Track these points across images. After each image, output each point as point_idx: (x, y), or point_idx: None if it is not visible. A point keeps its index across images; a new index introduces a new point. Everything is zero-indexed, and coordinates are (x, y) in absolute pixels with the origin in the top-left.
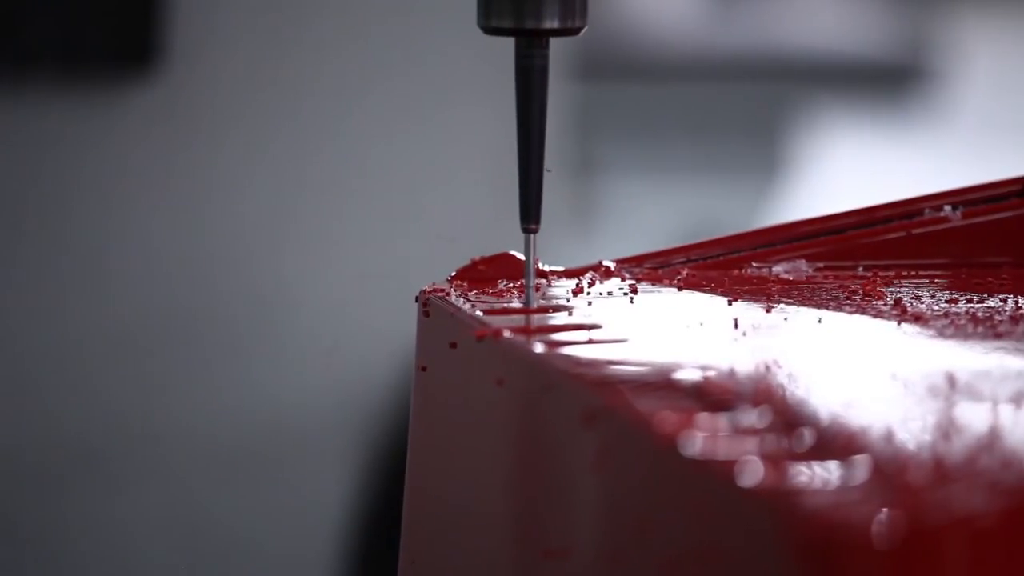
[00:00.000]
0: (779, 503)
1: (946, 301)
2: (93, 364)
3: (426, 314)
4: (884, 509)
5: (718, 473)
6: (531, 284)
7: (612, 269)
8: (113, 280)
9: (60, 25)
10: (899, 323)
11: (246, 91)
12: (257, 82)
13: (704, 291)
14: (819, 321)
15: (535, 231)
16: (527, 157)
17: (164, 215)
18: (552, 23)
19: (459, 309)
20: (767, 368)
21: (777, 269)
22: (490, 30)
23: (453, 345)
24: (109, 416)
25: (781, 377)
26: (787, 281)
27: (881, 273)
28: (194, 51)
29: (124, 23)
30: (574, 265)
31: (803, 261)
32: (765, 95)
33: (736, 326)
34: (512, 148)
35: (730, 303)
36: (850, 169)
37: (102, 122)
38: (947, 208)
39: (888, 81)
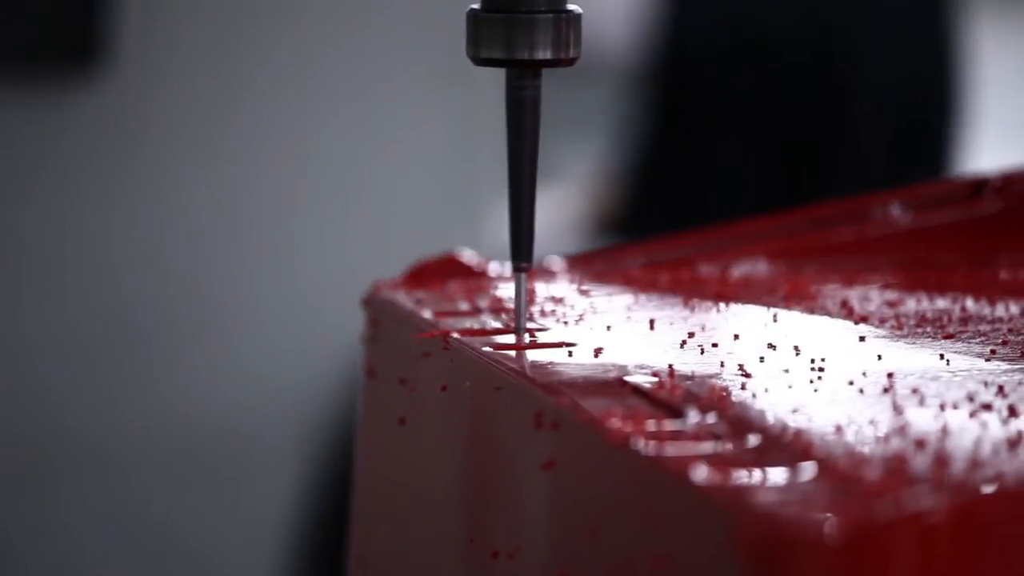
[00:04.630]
0: (729, 502)
1: (893, 302)
2: (41, 365)
3: (373, 320)
4: (833, 507)
5: (669, 473)
6: (522, 325)
7: (559, 270)
8: (60, 281)
9: (1, 23)
10: (852, 323)
11: (194, 88)
12: (205, 78)
13: (655, 293)
14: (774, 320)
15: (527, 269)
16: (518, 192)
17: (111, 214)
18: (544, 54)
19: (409, 312)
20: (718, 370)
21: (736, 270)
22: (480, 61)
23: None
24: (57, 418)
25: (731, 379)
26: (739, 282)
27: (831, 273)
28: (139, 48)
29: (67, 21)
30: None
31: (763, 261)
32: None
33: (687, 328)
34: (465, 151)
35: (684, 305)
36: None
37: (46, 123)
38: (895, 208)
39: None
